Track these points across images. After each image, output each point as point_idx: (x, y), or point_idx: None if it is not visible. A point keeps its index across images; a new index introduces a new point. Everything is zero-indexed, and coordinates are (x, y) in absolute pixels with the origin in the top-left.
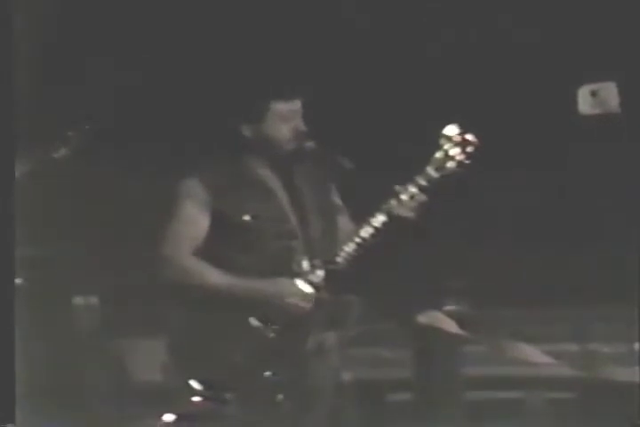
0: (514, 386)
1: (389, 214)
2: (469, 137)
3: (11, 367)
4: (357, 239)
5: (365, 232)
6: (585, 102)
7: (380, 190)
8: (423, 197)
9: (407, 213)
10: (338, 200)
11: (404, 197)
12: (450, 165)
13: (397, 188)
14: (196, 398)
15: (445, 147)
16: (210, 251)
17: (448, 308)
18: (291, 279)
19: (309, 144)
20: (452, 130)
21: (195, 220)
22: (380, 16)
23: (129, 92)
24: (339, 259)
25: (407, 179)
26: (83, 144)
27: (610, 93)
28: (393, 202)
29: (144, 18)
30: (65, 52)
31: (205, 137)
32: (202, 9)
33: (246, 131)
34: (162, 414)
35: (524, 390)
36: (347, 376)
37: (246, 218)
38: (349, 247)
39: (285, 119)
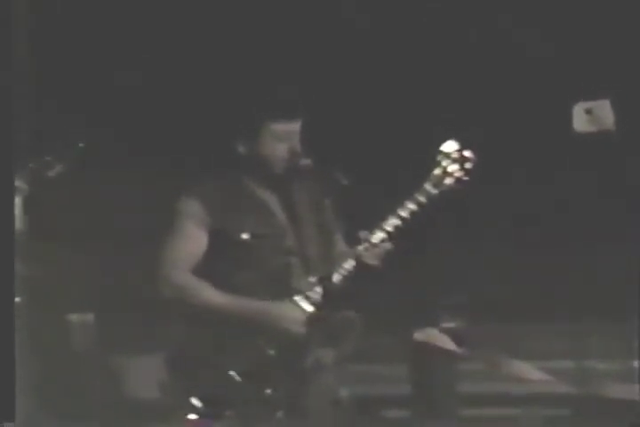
0: (510, 403)
1: (358, 259)
2: (467, 153)
3: (11, 368)
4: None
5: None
6: (580, 120)
7: (377, 207)
8: (389, 246)
9: (373, 262)
10: (335, 216)
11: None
12: (448, 181)
13: (363, 233)
14: (192, 416)
15: (443, 163)
16: (208, 268)
17: (445, 325)
18: (288, 302)
19: (306, 162)
20: (450, 146)
21: (193, 238)
22: (377, 32)
23: (127, 110)
24: (337, 276)
25: (405, 195)
26: (78, 162)
27: (604, 111)
28: (360, 248)
29: (142, 35)
30: (66, 54)
31: (203, 155)
32: (199, 27)
33: (242, 149)
34: None
35: (520, 407)
36: (344, 392)
37: (245, 236)
38: (348, 264)
39: (281, 139)
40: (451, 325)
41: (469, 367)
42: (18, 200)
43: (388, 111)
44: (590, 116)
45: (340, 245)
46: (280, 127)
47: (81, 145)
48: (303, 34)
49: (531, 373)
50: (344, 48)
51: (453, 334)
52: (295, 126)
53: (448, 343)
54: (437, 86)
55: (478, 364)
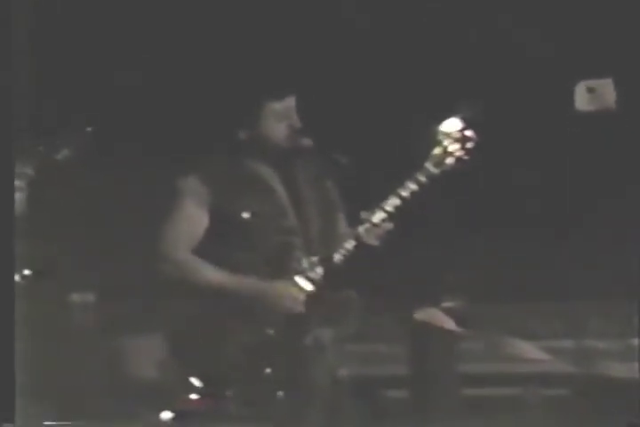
0: (510, 382)
1: (358, 239)
2: (468, 133)
3: (10, 367)
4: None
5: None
6: (582, 99)
7: (379, 188)
8: (390, 225)
9: (373, 242)
10: (336, 196)
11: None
12: (449, 161)
13: (363, 213)
14: (194, 396)
15: (444, 143)
16: (209, 248)
17: (445, 304)
18: (287, 282)
19: (307, 141)
20: (451, 126)
21: (194, 217)
22: (373, 11)
23: (129, 93)
24: (337, 256)
25: (406, 175)
26: (84, 145)
27: (607, 90)
28: (360, 228)
29: (143, 21)
30: (66, 54)
31: (204, 138)
32: (198, 12)
33: (244, 133)
34: (160, 412)
35: (520, 387)
36: (344, 372)
37: (245, 215)
38: (348, 244)
39: (280, 117)
40: (451, 304)
41: (470, 347)
42: (21, 182)
43: (389, 94)
44: (592, 95)
45: (342, 225)
46: (277, 106)
47: (89, 129)
48: (300, 15)
49: (531, 352)
50: (343, 35)
51: (454, 314)
52: (291, 102)
53: (448, 323)
54: (439, 66)
55: (479, 343)
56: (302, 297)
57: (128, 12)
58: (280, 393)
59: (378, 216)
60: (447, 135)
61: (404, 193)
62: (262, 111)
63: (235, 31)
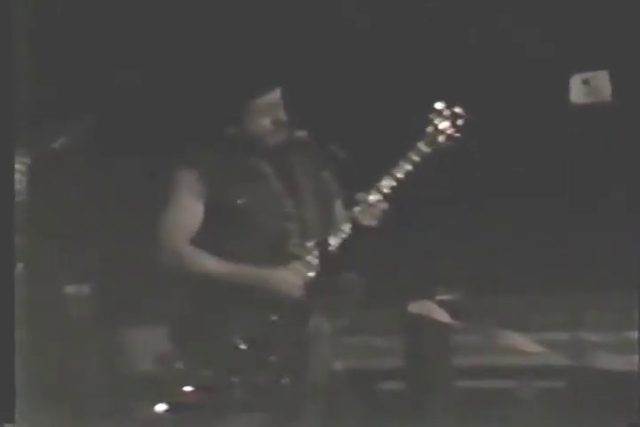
0: (505, 375)
1: (353, 222)
2: (458, 110)
3: (10, 367)
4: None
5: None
6: (577, 91)
7: (375, 175)
8: (385, 206)
9: (369, 222)
10: (333, 185)
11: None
12: (441, 139)
13: (358, 195)
14: (188, 388)
15: (435, 121)
16: (206, 238)
17: (440, 297)
18: (287, 268)
19: (302, 134)
20: (441, 104)
21: (190, 208)
22: (371, 5)
23: (125, 90)
24: (334, 239)
25: (398, 158)
26: (81, 136)
27: (602, 82)
28: (356, 209)
29: (138, 21)
30: (64, 50)
31: (199, 131)
32: (196, 12)
33: (232, 131)
34: (157, 404)
35: (515, 380)
36: (339, 365)
37: (241, 202)
38: (345, 226)
39: (264, 113)
40: (446, 297)
41: (464, 339)
42: (20, 171)
43: (382, 83)
44: (588, 88)
45: (340, 211)
46: (260, 101)
47: (87, 125)
48: (291, 10)
49: (526, 345)
50: (341, 31)
51: (449, 306)
52: (275, 96)
53: (443, 315)
54: (434, 57)
55: (474, 336)
56: (302, 281)
57: (125, 12)
58: (285, 380)
59: (373, 197)
60: (438, 113)
61: (399, 173)
62: (246, 110)
63: (231, 27)
